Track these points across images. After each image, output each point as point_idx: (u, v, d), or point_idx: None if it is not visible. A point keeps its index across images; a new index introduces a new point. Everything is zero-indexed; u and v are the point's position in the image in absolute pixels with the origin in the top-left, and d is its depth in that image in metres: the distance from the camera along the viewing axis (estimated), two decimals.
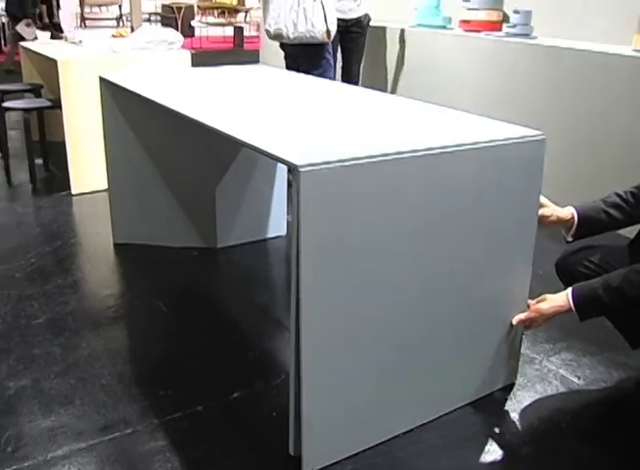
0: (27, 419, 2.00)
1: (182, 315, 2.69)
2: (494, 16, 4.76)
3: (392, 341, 1.88)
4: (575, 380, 2.30)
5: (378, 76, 5.43)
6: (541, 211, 2.13)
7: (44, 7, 9.28)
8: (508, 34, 4.45)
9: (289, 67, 4.27)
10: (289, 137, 1.90)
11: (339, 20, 4.20)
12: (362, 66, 5.01)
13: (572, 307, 1.95)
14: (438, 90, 4.74)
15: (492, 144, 1.90)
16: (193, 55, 4.44)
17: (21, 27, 6.65)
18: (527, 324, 2.13)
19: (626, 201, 2.15)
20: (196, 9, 15.20)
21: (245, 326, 2.62)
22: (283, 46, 4.31)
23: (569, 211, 2.18)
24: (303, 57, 4.10)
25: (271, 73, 3.26)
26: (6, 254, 3.20)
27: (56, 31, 6.52)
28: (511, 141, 1.95)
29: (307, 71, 3.70)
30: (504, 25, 4.56)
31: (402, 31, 5.17)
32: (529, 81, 4.13)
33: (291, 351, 1.73)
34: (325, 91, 2.78)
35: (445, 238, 1.89)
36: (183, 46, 4.46)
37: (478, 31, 4.67)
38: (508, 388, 2.24)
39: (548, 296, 2.05)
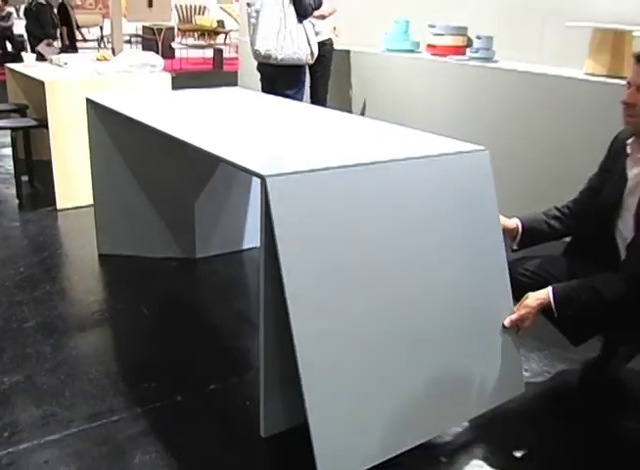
0: (22, 409, 2.19)
1: (164, 318, 2.89)
2: (459, 41, 5.04)
3: (383, 348, 1.98)
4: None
5: (346, 99, 5.69)
6: None
7: (65, 29, 9.73)
8: (471, 58, 4.73)
9: (265, 88, 4.52)
10: (259, 152, 2.14)
11: None
12: (331, 88, 5.25)
13: (552, 302, 2.10)
14: (407, 112, 4.99)
15: (441, 156, 2.16)
16: (173, 77, 4.66)
17: (42, 47, 7.04)
18: (519, 323, 2.18)
19: (564, 213, 2.42)
20: (176, 31, 15.48)
21: (222, 328, 2.84)
22: (261, 68, 4.56)
23: (514, 222, 2.43)
24: (283, 77, 4.36)
25: (246, 96, 3.51)
26: None
27: (74, 52, 6.82)
28: (457, 154, 2.21)
29: (283, 92, 3.94)
30: (468, 50, 4.84)
31: (372, 56, 5.44)
32: (491, 103, 4.39)
33: (260, 347, 1.99)
34: (296, 112, 3.03)
35: (414, 242, 2.05)
36: (164, 68, 4.69)
37: (444, 55, 4.94)
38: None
39: (530, 293, 2.19)
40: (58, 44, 8.65)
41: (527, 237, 2.42)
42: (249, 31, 4.51)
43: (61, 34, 9.65)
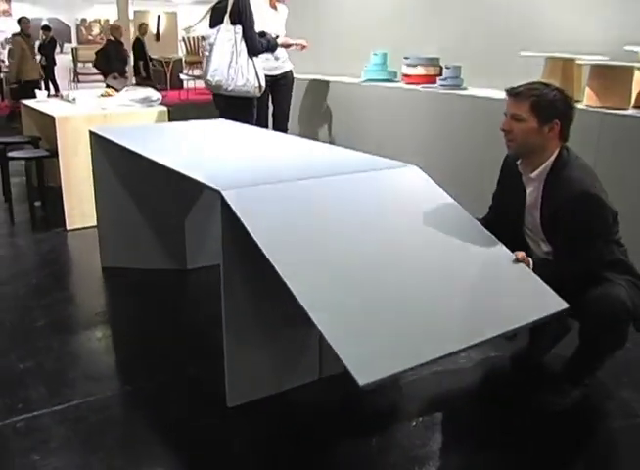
0: (33, 387, 2.66)
1: (156, 318, 3.36)
2: (431, 70, 5.52)
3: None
4: (461, 361, 2.95)
5: (325, 127, 6.20)
6: None
7: (141, 63, 10.71)
8: (441, 86, 5.19)
9: (222, 117, 4.99)
10: (223, 172, 2.63)
11: (267, 76, 4.99)
12: (312, 117, 5.67)
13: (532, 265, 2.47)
14: (382, 137, 5.46)
15: (385, 170, 2.72)
16: (176, 107, 5.16)
17: (109, 80, 7.91)
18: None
19: (485, 223, 2.85)
20: (183, 62, 16.16)
21: (204, 326, 3.28)
22: (216, 100, 5.02)
23: None
24: (234, 108, 4.80)
25: (226, 127, 4.00)
26: (10, 277, 3.88)
27: (150, 83, 7.51)
28: (390, 169, 2.72)
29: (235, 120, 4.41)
30: (438, 79, 5.31)
31: (352, 86, 5.92)
32: (459, 126, 4.84)
33: (224, 332, 2.44)
34: (265, 140, 3.53)
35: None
36: (165, 101, 5.19)
37: (417, 84, 5.42)
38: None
39: None
40: (129, 78, 9.58)
41: None
42: (203, 65, 4.98)
43: (137, 67, 10.63)
